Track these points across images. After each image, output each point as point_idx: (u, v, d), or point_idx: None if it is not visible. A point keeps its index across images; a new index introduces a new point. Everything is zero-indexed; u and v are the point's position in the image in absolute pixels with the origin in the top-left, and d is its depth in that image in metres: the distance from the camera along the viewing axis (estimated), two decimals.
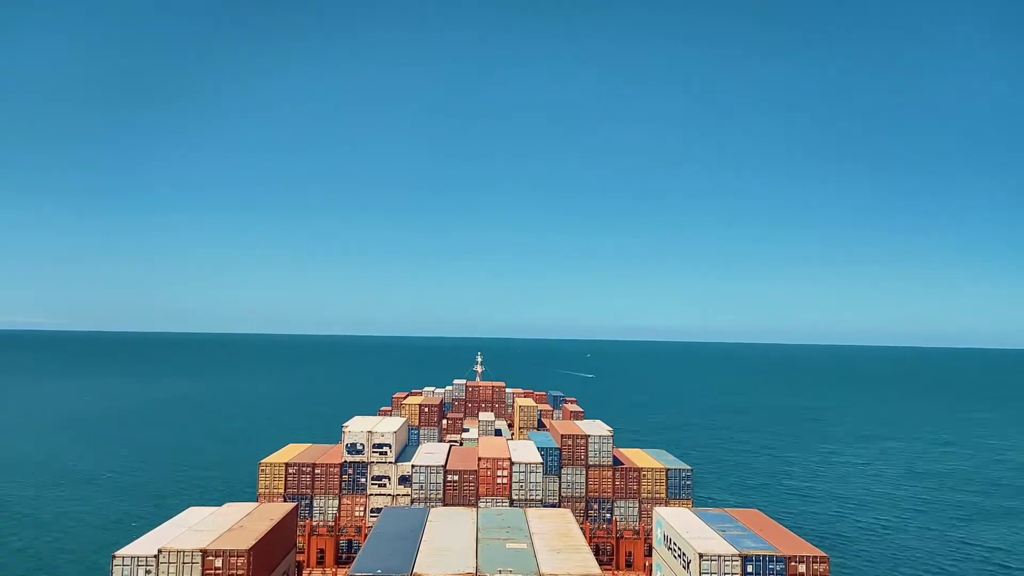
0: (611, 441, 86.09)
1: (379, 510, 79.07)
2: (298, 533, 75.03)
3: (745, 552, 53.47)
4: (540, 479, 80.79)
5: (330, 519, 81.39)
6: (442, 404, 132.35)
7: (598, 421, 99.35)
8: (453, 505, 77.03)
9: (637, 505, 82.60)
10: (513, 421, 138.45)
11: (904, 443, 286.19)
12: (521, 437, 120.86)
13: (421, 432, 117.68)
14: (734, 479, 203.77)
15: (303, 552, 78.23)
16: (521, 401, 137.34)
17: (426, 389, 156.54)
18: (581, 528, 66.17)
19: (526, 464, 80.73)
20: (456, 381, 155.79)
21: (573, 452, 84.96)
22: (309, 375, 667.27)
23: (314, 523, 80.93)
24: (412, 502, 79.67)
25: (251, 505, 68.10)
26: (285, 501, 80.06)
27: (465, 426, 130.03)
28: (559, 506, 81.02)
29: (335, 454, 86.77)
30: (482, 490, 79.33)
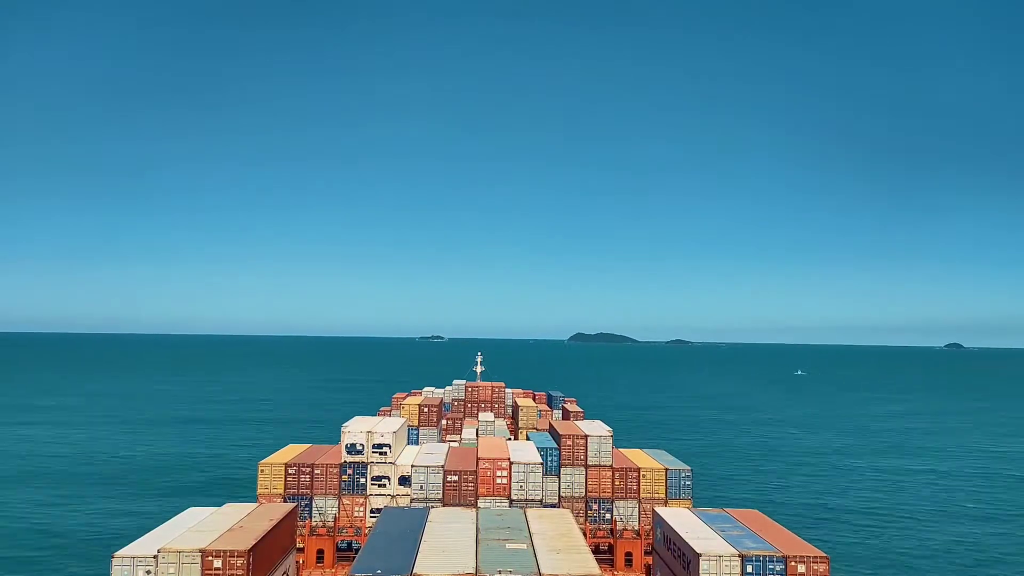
0: (611, 441, 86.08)
1: (379, 510, 79.03)
2: (297, 533, 75.02)
3: (744, 552, 53.47)
4: (540, 479, 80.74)
5: (330, 519, 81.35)
6: (442, 404, 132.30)
7: (598, 421, 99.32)
8: (453, 505, 77.01)
9: (636, 505, 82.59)
10: (513, 421, 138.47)
11: (904, 443, 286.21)
12: (521, 437, 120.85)
13: (421, 432, 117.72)
14: (734, 479, 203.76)
15: (303, 552, 78.23)
16: (521, 401, 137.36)
17: (426, 389, 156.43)
18: (581, 528, 66.16)
19: (526, 464, 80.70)
20: (456, 381, 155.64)
21: (573, 452, 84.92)
22: (308, 376, 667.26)
23: (313, 523, 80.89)
24: (412, 502, 79.64)
25: (250, 505, 68.10)
26: (284, 501, 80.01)
27: (465, 426, 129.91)
28: (558, 506, 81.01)
29: (335, 454, 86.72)
30: (482, 490, 79.31)
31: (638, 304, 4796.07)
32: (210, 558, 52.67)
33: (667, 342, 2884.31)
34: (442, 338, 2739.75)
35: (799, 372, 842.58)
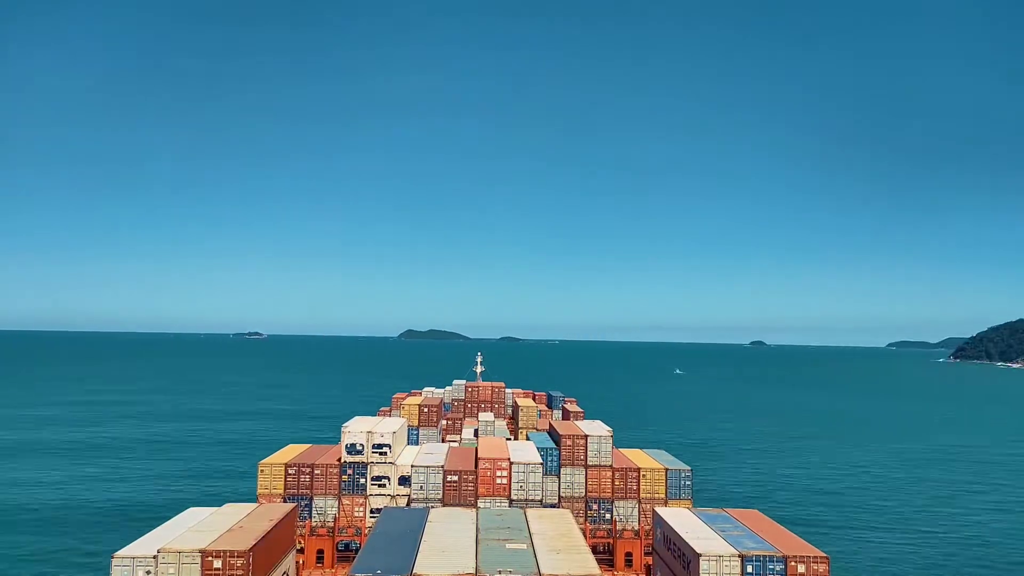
0: (610, 441, 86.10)
1: (379, 510, 79.05)
2: (297, 533, 75.04)
3: (744, 552, 53.47)
4: (540, 479, 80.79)
5: (329, 519, 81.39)
6: (442, 404, 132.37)
7: (598, 421, 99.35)
8: (452, 505, 77.03)
9: (636, 505, 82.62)
10: (513, 421, 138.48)
11: (904, 442, 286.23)
12: (521, 437, 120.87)
13: (421, 432, 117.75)
14: (734, 479, 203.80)
15: (303, 552, 78.26)
16: (521, 401, 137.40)
17: (426, 389, 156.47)
18: (581, 528, 66.17)
19: (525, 464, 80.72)
20: (456, 381, 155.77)
21: (573, 452, 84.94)
22: (309, 376, 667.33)
23: (313, 523, 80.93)
24: (411, 502, 79.64)
25: (250, 506, 68.13)
26: (284, 501, 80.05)
27: (465, 426, 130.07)
28: (558, 506, 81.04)
29: (334, 454, 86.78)
30: (481, 490, 79.33)
31: (469, 301, 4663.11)
32: (210, 558, 52.68)
33: (498, 339, 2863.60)
34: (261, 335, 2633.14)
35: (678, 371, 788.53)
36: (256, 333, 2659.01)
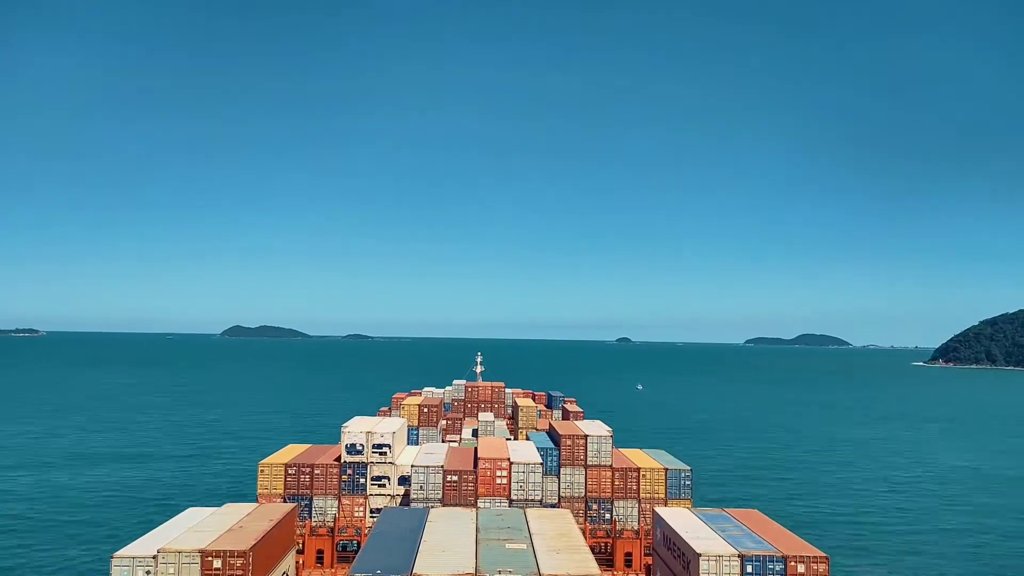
0: (610, 441, 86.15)
1: (379, 510, 79.12)
2: (297, 533, 75.08)
3: (744, 552, 53.47)
4: (539, 479, 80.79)
5: (329, 519, 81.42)
6: (442, 404, 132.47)
7: (597, 421, 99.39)
8: (452, 505, 77.04)
9: (636, 505, 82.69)
10: (513, 421, 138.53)
11: (904, 442, 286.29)
12: (521, 437, 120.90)
13: (421, 432, 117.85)
14: (734, 479, 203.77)
15: (303, 552, 78.29)
16: (521, 401, 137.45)
17: (426, 389, 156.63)
18: (580, 528, 66.19)
19: (525, 464, 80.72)
20: (456, 381, 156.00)
21: (572, 452, 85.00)
22: (309, 376, 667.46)
23: (313, 523, 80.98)
24: (411, 502, 79.69)
25: (250, 505, 68.16)
26: (284, 501, 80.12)
27: (464, 426, 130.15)
28: (558, 506, 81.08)
29: (334, 454, 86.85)
30: (481, 490, 79.33)
31: (311, 296, 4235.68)
32: (210, 558, 52.71)
33: (344, 336, 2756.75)
34: (37, 332, 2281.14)
35: (639, 387, 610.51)
36: (31, 330, 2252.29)
